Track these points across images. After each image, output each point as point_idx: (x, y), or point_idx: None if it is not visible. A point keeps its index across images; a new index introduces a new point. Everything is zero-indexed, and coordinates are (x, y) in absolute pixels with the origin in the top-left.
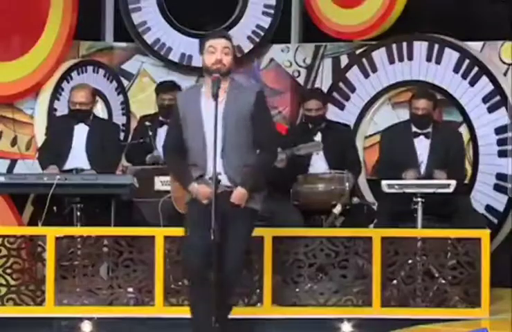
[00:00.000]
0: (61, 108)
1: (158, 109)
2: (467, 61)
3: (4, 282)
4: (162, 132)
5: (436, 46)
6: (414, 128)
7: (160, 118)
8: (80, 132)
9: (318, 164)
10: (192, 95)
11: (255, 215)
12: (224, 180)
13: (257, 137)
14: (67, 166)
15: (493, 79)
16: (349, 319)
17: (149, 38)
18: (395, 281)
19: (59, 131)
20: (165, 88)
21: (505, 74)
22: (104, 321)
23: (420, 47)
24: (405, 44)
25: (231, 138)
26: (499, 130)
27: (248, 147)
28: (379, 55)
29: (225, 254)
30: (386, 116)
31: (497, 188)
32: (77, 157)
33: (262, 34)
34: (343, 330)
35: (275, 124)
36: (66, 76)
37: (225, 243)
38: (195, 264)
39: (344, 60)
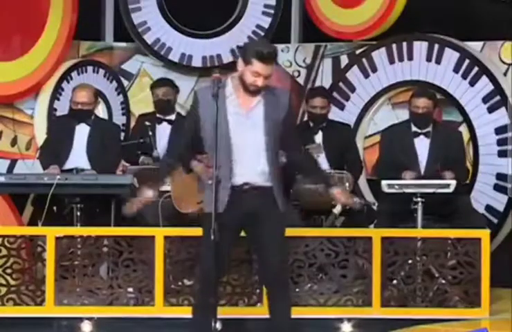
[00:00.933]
0: (61, 108)
1: (154, 106)
2: (467, 61)
3: (4, 282)
4: (161, 129)
5: (436, 46)
6: (414, 128)
7: (158, 115)
8: (81, 132)
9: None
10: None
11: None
12: (264, 181)
13: (289, 138)
14: (68, 166)
15: (493, 79)
16: (349, 319)
17: (149, 38)
18: (395, 281)
19: (60, 131)
20: (159, 83)
21: (505, 74)
22: (104, 321)
23: (420, 47)
24: (405, 44)
25: (272, 139)
26: (499, 130)
27: (278, 147)
28: (379, 55)
29: (268, 255)
30: (386, 116)
31: (497, 188)
32: (78, 157)
33: (262, 34)
34: (343, 330)
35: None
36: (66, 76)
37: (264, 244)
38: (208, 268)
39: (344, 60)
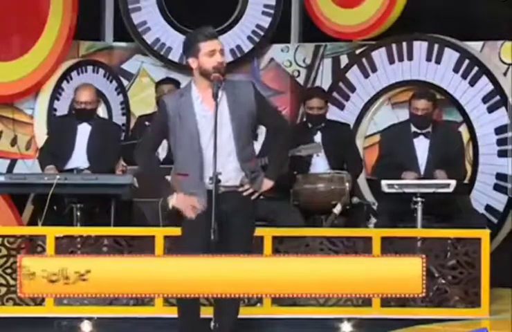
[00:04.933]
0: (61, 108)
1: (157, 103)
2: (467, 61)
3: (4, 282)
4: None
5: (436, 46)
6: (413, 128)
7: None
8: (83, 132)
9: (319, 163)
10: (183, 103)
11: (255, 213)
12: (236, 180)
13: (271, 123)
14: (70, 165)
15: (493, 79)
16: (349, 319)
17: (149, 38)
18: None
19: (61, 131)
20: (164, 81)
21: (505, 74)
22: (104, 321)
23: (420, 47)
24: (405, 44)
25: (243, 136)
26: (499, 130)
27: (252, 140)
28: (379, 55)
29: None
30: (386, 116)
31: (497, 188)
32: (80, 157)
33: (262, 34)
34: (343, 330)
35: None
36: (66, 76)
37: (229, 246)
38: None
39: (344, 60)
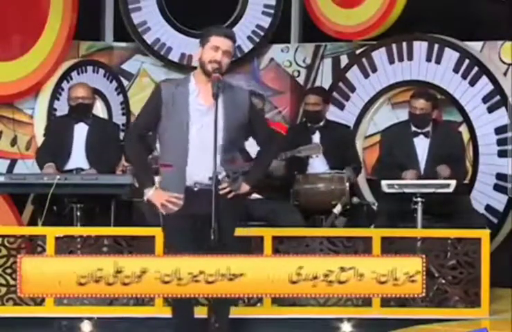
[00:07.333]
0: (61, 108)
1: None
2: (467, 61)
3: (4, 282)
4: None
5: (436, 46)
6: (413, 128)
7: None
8: (80, 131)
9: (317, 163)
10: (178, 93)
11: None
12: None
13: (258, 135)
14: (69, 166)
15: (493, 79)
16: (349, 319)
17: (149, 38)
18: None
19: (58, 131)
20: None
21: (505, 74)
22: (104, 321)
23: (420, 47)
24: (405, 44)
25: (231, 138)
26: (499, 130)
27: (241, 145)
28: (379, 55)
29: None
30: (386, 116)
31: (497, 188)
32: (78, 157)
33: (262, 34)
34: (343, 330)
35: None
36: (66, 76)
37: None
38: None
39: (344, 60)
